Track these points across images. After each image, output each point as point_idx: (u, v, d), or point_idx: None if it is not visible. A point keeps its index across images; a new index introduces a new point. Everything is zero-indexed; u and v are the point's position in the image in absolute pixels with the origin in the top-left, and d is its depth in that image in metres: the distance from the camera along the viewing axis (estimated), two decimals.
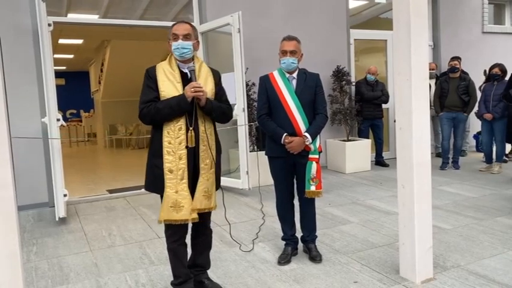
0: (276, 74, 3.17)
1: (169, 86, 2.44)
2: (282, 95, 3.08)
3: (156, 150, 2.45)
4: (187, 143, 2.42)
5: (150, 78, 2.47)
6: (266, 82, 3.17)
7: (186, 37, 2.45)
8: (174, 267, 2.60)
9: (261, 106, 3.18)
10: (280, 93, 3.09)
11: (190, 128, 2.43)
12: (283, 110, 3.07)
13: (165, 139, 2.42)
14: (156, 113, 2.40)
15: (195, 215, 2.47)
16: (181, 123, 2.42)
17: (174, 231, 2.53)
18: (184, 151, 2.42)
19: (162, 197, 2.48)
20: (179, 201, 2.43)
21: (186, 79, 2.47)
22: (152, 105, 2.41)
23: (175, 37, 2.45)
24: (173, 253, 2.58)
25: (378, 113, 6.91)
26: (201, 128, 2.47)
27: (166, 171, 2.41)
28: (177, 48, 2.44)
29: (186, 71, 2.50)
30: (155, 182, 2.47)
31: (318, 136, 3.14)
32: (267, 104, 3.14)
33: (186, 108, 2.40)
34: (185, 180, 2.43)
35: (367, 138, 6.91)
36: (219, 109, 2.54)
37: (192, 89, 2.37)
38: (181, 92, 2.42)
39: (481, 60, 7.96)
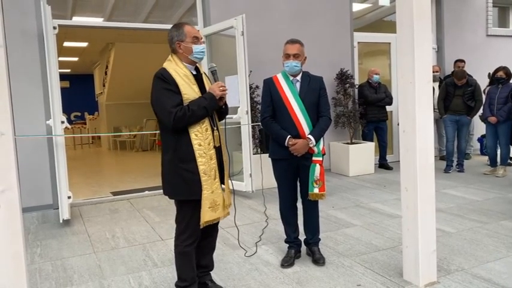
0: (280, 76, 3.18)
1: (188, 88, 2.44)
2: (286, 98, 3.09)
3: (186, 155, 2.40)
4: (214, 142, 2.48)
5: (168, 81, 2.39)
6: (270, 85, 3.18)
7: (203, 42, 2.58)
8: (183, 270, 2.58)
9: (265, 108, 3.19)
10: (284, 96, 3.10)
11: (215, 128, 2.52)
12: (287, 112, 3.08)
13: (195, 142, 2.41)
14: (192, 115, 2.36)
15: (227, 211, 2.57)
16: (207, 124, 2.46)
17: (191, 234, 2.51)
18: (213, 151, 2.47)
19: (187, 201, 2.46)
20: (215, 200, 2.46)
21: (197, 80, 2.51)
22: (184, 108, 2.36)
23: (196, 40, 2.49)
24: (184, 256, 2.55)
25: (382, 115, 6.91)
26: (220, 127, 2.59)
27: (202, 173, 2.41)
28: (202, 51, 2.50)
29: (194, 72, 2.55)
30: (187, 188, 2.42)
31: (322, 138, 3.14)
32: (271, 106, 3.16)
33: (216, 108, 2.50)
34: (217, 179, 2.49)
35: (372, 141, 6.90)
36: (227, 108, 2.65)
37: (221, 88, 2.46)
38: (198, 94, 2.45)
39: (485, 63, 7.94)
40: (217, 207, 2.48)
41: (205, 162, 2.42)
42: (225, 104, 2.61)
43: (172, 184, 2.47)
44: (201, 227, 2.47)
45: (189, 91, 2.42)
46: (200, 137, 2.41)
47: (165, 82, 2.39)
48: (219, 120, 2.68)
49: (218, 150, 2.53)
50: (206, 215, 2.45)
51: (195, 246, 2.59)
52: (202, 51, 2.50)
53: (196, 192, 2.42)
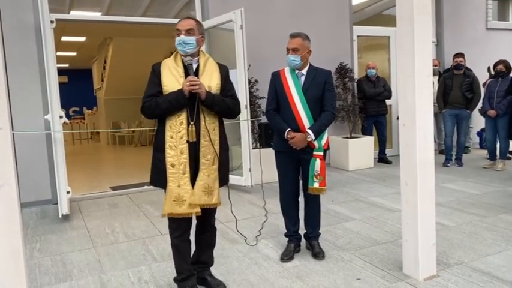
0: (286, 70, 3.19)
1: (172, 80, 2.45)
2: (289, 91, 3.10)
3: (160, 145, 2.48)
4: (188, 137, 2.43)
5: (155, 73, 2.51)
6: (276, 78, 3.21)
7: (189, 32, 2.46)
8: (177, 263, 2.61)
9: (270, 101, 3.22)
10: (287, 89, 3.11)
11: (191, 123, 2.44)
12: (289, 105, 3.09)
13: (168, 133, 2.44)
14: (156, 107, 2.44)
15: (198, 209, 2.47)
16: (183, 117, 2.44)
17: (177, 226, 2.53)
18: (186, 145, 2.43)
19: (165, 191, 2.49)
20: (181, 195, 2.44)
21: (190, 74, 2.47)
22: (153, 99, 2.46)
23: (178, 32, 2.47)
24: (176, 249, 2.59)
25: (381, 109, 6.89)
26: (202, 123, 2.47)
27: (168, 165, 2.43)
28: (180, 43, 2.46)
29: (196, 64, 2.52)
30: (159, 176, 2.49)
31: (326, 133, 3.13)
32: (276, 99, 3.18)
33: (184, 102, 2.42)
34: (187, 175, 2.44)
35: (371, 135, 6.89)
36: (222, 103, 2.51)
37: (188, 83, 2.39)
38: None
39: (484, 56, 7.92)
40: (183, 202, 2.44)
41: (173, 155, 2.43)
42: (207, 98, 2.42)
43: (151, 170, 2.57)
44: (163, 217, 2.50)
45: (172, 83, 2.44)
46: (173, 129, 2.43)
47: (152, 74, 2.52)
48: (228, 117, 2.63)
49: (194, 146, 2.44)
50: (169, 207, 2.45)
51: (185, 239, 2.58)
52: (179, 44, 2.45)
53: (164, 182, 2.46)
